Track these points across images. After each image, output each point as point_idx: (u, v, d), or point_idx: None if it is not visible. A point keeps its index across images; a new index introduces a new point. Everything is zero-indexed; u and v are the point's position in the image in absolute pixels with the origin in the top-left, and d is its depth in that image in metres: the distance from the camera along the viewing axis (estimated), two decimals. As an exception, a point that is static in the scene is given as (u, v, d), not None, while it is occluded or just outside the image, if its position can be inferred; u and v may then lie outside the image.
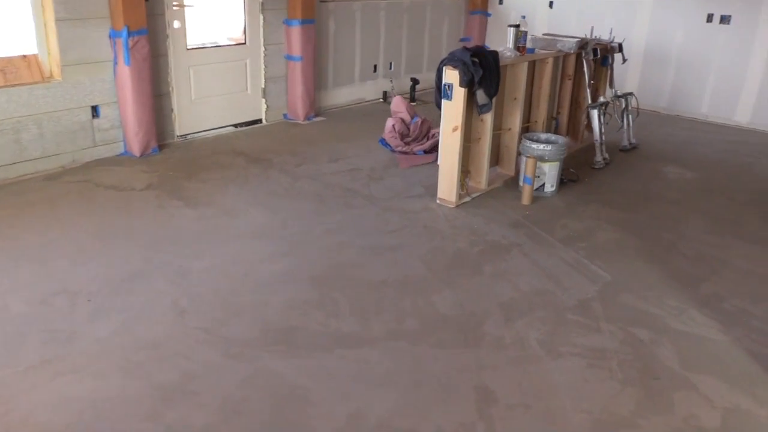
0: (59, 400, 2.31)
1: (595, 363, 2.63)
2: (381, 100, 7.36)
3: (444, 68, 4.00)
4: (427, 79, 7.75)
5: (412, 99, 7.21)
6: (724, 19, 6.58)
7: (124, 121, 4.87)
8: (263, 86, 6.03)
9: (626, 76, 7.10)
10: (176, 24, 5.18)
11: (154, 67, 4.96)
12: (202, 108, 5.58)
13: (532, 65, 4.77)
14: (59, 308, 2.88)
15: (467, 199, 4.33)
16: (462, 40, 8.30)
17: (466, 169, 4.36)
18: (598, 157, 5.16)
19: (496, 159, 4.79)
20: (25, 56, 4.46)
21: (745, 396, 2.46)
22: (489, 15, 8.41)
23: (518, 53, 4.47)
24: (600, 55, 5.37)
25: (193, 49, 5.42)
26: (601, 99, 5.40)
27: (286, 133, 5.92)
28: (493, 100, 4.18)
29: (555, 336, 2.81)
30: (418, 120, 5.39)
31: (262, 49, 5.90)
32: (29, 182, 4.36)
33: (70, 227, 3.72)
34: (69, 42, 4.46)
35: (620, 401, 2.41)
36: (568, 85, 5.32)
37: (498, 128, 4.61)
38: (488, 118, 4.27)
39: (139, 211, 3.97)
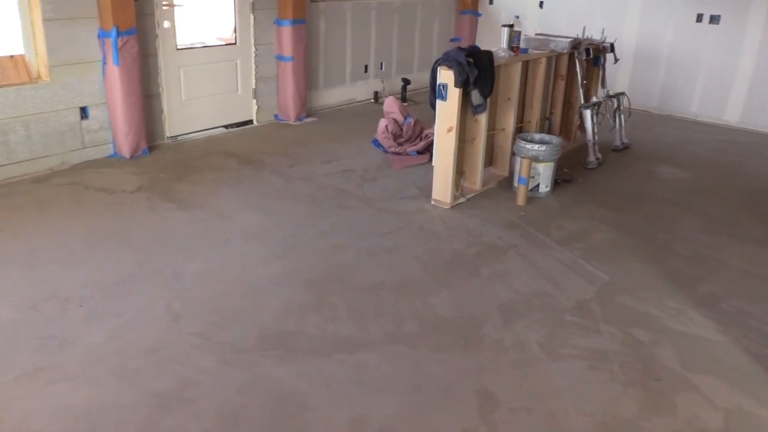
0: (53, 408, 2.25)
1: (596, 365, 2.62)
2: (372, 100, 7.32)
3: (438, 68, 3.97)
4: (418, 79, 7.72)
5: (404, 99, 7.18)
6: (714, 19, 6.61)
7: (114, 123, 4.79)
8: (254, 87, 5.98)
9: (617, 76, 7.12)
10: (166, 24, 5.11)
11: (143, 67, 4.89)
12: (193, 109, 5.52)
13: (526, 65, 4.76)
14: (50, 314, 2.82)
15: (462, 200, 4.31)
16: (452, 40, 8.29)
17: (460, 170, 4.34)
18: (591, 157, 5.16)
19: (489, 159, 4.77)
20: (12, 56, 4.38)
21: (746, 396, 2.46)
22: (479, 15, 8.40)
23: (512, 53, 4.46)
24: (592, 55, 5.37)
25: (183, 49, 5.36)
26: (594, 99, 5.40)
27: (278, 134, 5.87)
28: (488, 100, 4.16)
29: (555, 338, 2.79)
30: (411, 120, 5.36)
31: (253, 49, 5.84)
32: (17, 185, 4.28)
33: (60, 230, 3.65)
34: (57, 42, 4.38)
35: (622, 403, 2.39)
36: (561, 85, 5.32)
37: (492, 128, 4.59)
38: (482, 118, 4.26)
39: (130, 214, 3.91)
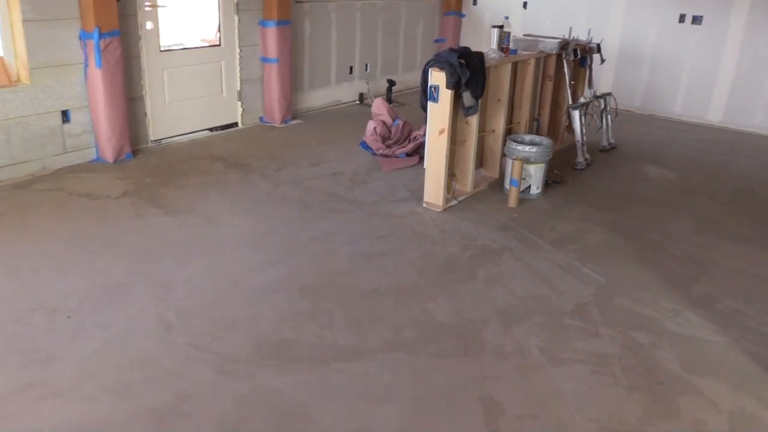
0: (43, 426, 2.16)
1: (599, 369, 2.59)
2: (357, 102, 7.27)
3: (430, 70, 3.93)
4: (402, 80, 7.69)
5: (389, 100, 7.13)
6: (696, 20, 6.68)
7: (96, 126, 4.68)
8: (239, 89, 5.89)
9: (601, 76, 7.15)
10: (149, 25, 5.00)
11: (126, 69, 4.78)
12: (177, 112, 5.42)
13: (515, 66, 4.74)
14: (37, 326, 2.72)
15: (454, 202, 4.28)
16: (436, 41, 8.27)
17: (451, 172, 4.30)
18: (580, 158, 5.17)
19: (480, 161, 4.74)
20: (-11, 59, 4.26)
21: (749, 398, 2.45)
22: (463, 16, 8.39)
23: (502, 54, 4.43)
24: (579, 56, 5.38)
25: (166, 50, 5.25)
26: (582, 99, 5.41)
27: (264, 136, 5.79)
28: (479, 101, 4.13)
29: (555, 342, 2.77)
30: (400, 122, 5.32)
31: (237, 50, 5.76)
32: (-4, 191, 4.16)
33: (43, 238, 3.54)
34: (37, 44, 4.26)
35: (627, 408, 2.37)
36: (549, 86, 5.31)
37: (482, 130, 4.56)
38: (473, 120, 4.23)
39: (116, 220, 3.81)
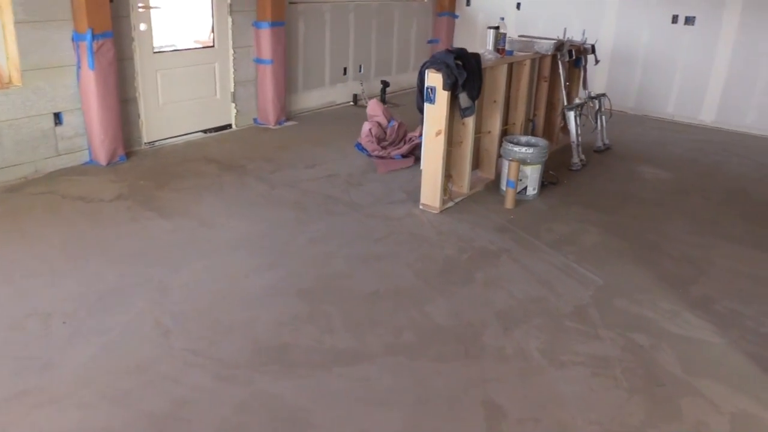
0: (40, 435, 2.13)
1: (599, 371, 2.59)
2: (351, 103, 7.25)
3: (426, 71, 3.92)
4: (396, 81, 7.68)
5: (383, 101, 7.11)
6: (689, 21, 6.71)
7: (89, 129, 4.63)
8: (233, 90, 5.85)
9: (594, 77, 7.16)
10: (142, 26, 4.96)
11: (119, 71, 4.73)
12: (170, 113, 5.37)
13: (510, 67, 4.73)
14: (32, 332, 2.68)
15: (450, 204, 4.26)
16: (430, 42, 8.26)
17: (448, 174, 4.29)
18: (575, 159, 5.17)
19: (476, 162, 4.73)
20: (-20, 61, 4.21)
21: (749, 400, 2.45)
22: (456, 17, 8.39)
23: (498, 55, 4.43)
24: (574, 57, 5.39)
25: (159, 52, 5.21)
26: (577, 100, 5.41)
27: (258, 138, 5.76)
28: (475, 102, 4.13)
29: (555, 345, 2.76)
30: (395, 124, 5.30)
31: (231, 52, 5.72)
32: (-12, 195, 4.11)
33: (37, 242, 3.49)
34: (29, 45, 4.21)
35: (629, 411, 2.36)
36: (544, 86, 5.31)
37: (477, 131, 4.55)
38: (470, 121, 4.22)
39: (111, 224, 3.77)
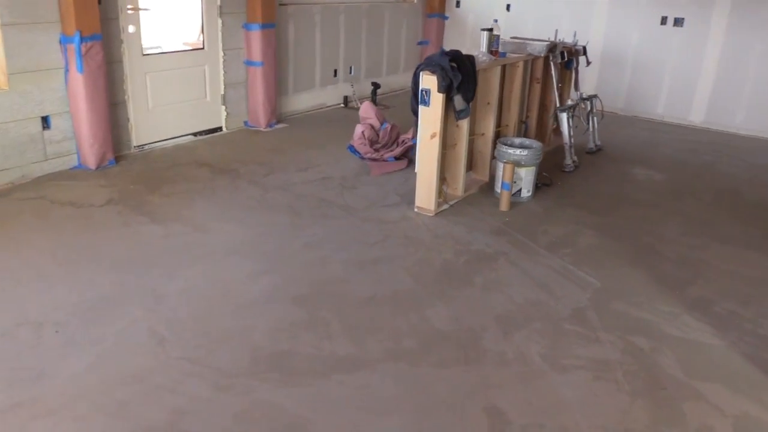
0: (35, 449, 2.08)
1: (601, 375, 2.57)
2: (342, 105, 7.21)
3: (421, 73, 3.89)
4: (387, 83, 7.65)
5: (374, 103, 7.08)
6: (678, 22, 6.74)
7: (78, 133, 4.56)
8: (223, 93, 5.79)
9: (584, 78, 7.18)
10: (131, 29, 4.89)
11: (108, 74, 4.66)
12: (160, 116, 5.31)
13: (504, 69, 4.72)
14: (24, 342, 2.62)
15: (445, 206, 4.24)
16: (420, 43, 8.25)
17: (442, 176, 4.27)
18: (568, 160, 5.17)
19: (469, 164, 4.71)
20: (-34, 64, 4.12)
21: (751, 402, 2.45)
22: (446, 18, 8.38)
23: (492, 57, 4.41)
24: (566, 58, 5.39)
25: (149, 54, 5.14)
26: (569, 102, 5.41)
27: (249, 141, 5.70)
28: (470, 105, 4.11)
29: (556, 348, 2.74)
30: (388, 126, 5.27)
31: (221, 54, 5.66)
32: (-25, 201, 4.02)
33: (26, 248, 3.42)
34: (16, 48, 4.13)
35: (633, 415, 2.35)
36: (537, 88, 5.31)
37: (471, 133, 4.53)
38: (464, 123, 4.20)
39: (102, 229, 3.71)
